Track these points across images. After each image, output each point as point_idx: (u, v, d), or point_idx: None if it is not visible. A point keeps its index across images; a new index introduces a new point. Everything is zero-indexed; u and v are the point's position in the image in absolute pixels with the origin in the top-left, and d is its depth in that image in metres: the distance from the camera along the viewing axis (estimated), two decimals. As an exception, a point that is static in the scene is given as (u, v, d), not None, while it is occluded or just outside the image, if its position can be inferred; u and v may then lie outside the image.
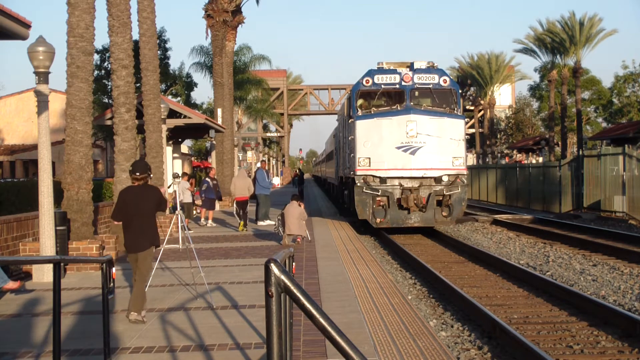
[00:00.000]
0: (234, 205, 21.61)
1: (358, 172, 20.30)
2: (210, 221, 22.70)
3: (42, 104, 10.68)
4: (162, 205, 8.63)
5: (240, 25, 38.35)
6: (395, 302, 9.42)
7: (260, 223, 21.91)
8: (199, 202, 23.02)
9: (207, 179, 23.20)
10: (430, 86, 21.02)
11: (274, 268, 2.70)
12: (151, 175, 8.86)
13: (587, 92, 75.01)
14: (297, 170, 52.42)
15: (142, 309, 8.26)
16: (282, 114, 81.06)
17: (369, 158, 20.21)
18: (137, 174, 8.44)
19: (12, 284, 10.21)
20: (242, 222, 20.53)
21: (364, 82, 21.12)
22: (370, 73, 21.17)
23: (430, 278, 13.26)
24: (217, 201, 24.23)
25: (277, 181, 72.47)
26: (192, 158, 70.41)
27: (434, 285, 12.75)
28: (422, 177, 20.08)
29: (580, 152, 32.94)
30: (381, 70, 21.21)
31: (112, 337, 7.01)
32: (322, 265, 12.75)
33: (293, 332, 5.50)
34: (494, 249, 18.13)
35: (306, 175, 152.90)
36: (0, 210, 15.17)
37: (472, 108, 76.05)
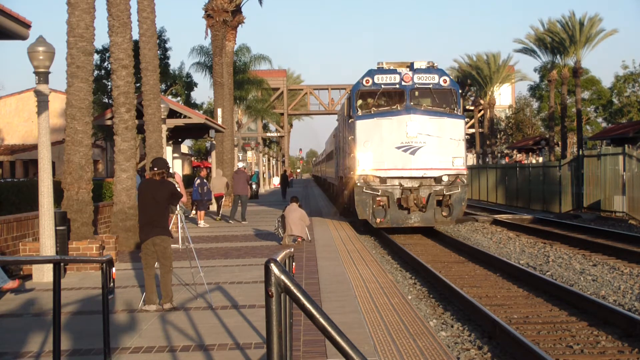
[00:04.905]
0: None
1: (358, 172, 20.29)
2: (202, 221, 22.47)
3: (42, 104, 10.68)
4: (174, 197, 9.31)
5: (240, 25, 38.32)
6: (395, 302, 9.41)
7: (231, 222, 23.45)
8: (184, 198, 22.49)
9: (197, 179, 22.56)
10: (430, 86, 21.01)
11: (274, 268, 2.70)
12: (171, 172, 9.71)
13: (587, 92, 75.02)
14: (283, 172, 47.19)
15: (172, 298, 9.13)
16: (282, 114, 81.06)
17: (369, 158, 20.21)
18: (155, 168, 9.27)
19: (11, 284, 10.23)
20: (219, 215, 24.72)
21: (364, 82, 21.10)
22: (370, 73, 21.16)
23: (430, 278, 13.26)
24: (208, 201, 23.87)
25: (276, 181, 72.41)
26: (192, 158, 70.40)
27: (434, 285, 12.74)
28: (422, 177, 20.08)
29: (580, 152, 32.92)
30: (381, 70, 21.20)
31: (112, 337, 7.00)
32: (322, 265, 12.75)
33: (293, 332, 5.51)
34: (494, 249, 18.12)
35: (306, 175, 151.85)
36: (0, 210, 15.17)
37: (472, 108, 76.02)
